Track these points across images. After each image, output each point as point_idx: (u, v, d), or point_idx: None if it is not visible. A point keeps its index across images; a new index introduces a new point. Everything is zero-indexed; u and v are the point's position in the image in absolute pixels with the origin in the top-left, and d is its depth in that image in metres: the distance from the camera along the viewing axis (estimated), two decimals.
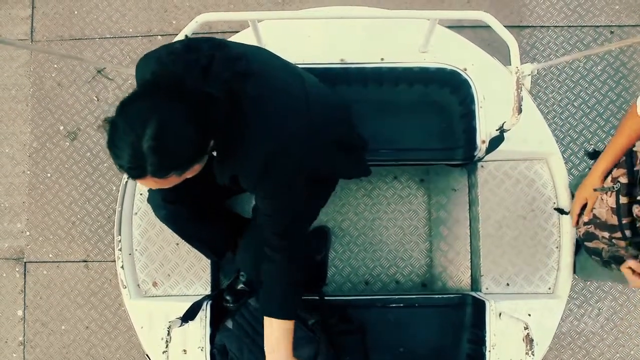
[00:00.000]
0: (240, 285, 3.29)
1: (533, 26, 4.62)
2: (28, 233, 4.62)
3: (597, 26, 4.60)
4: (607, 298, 4.40)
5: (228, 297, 3.23)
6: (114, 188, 4.59)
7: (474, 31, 4.31)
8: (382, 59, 3.38)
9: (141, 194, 3.42)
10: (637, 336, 4.39)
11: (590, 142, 4.48)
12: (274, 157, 2.27)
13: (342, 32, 3.24)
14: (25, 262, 4.60)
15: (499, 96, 3.28)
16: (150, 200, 2.99)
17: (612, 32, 4.60)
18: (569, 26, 4.61)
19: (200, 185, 2.72)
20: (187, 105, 1.93)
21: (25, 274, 4.59)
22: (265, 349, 2.60)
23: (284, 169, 2.33)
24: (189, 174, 2.10)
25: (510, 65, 2.75)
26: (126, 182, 3.39)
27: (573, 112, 4.52)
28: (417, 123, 3.44)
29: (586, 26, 4.61)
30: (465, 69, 3.36)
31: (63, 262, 4.59)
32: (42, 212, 4.63)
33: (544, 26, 4.62)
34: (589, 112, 4.52)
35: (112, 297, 4.54)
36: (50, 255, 4.60)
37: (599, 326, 4.38)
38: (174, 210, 2.89)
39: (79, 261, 4.58)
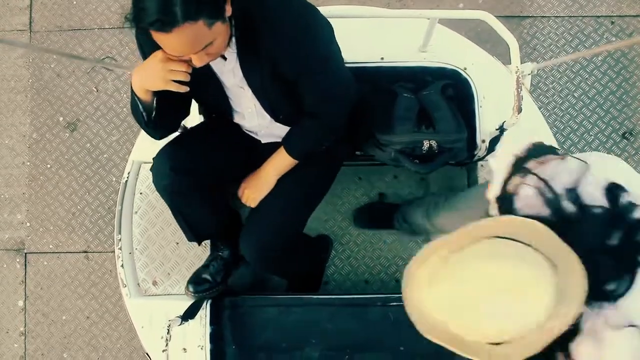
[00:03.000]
0: (206, 275, 3.26)
1: (534, 16, 4.60)
2: (28, 224, 4.63)
3: (598, 16, 4.58)
4: None
5: (190, 286, 3.18)
6: (114, 179, 4.60)
7: (477, 22, 4.29)
8: (382, 58, 3.38)
9: (141, 193, 3.44)
10: None
11: (590, 133, 4.48)
12: (305, 29, 2.43)
13: (341, 31, 3.23)
14: (25, 253, 4.62)
15: (499, 95, 3.28)
16: (155, 167, 2.90)
17: (612, 23, 4.58)
18: (570, 16, 4.60)
19: (213, 156, 2.91)
20: None
21: (25, 265, 4.61)
22: (261, 169, 2.91)
23: (318, 36, 2.49)
24: (217, 42, 2.23)
25: (510, 64, 2.74)
26: (126, 181, 3.39)
27: (573, 102, 4.52)
28: None
29: (587, 16, 4.60)
30: (465, 69, 3.36)
31: (63, 253, 4.61)
32: (42, 203, 4.64)
33: (545, 16, 4.61)
34: (589, 103, 4.52)
35: (112, 287, 4.55)
36: (51, 246, 4.61)
37: None
38: (178, 181, 2.84)
39: (80, 252, 4.60)
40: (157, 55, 2.32)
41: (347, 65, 3.25)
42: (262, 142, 3.06)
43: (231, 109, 2.85)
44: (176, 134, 2.95)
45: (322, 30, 2.50)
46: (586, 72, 4.53)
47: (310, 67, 2.50)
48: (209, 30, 2.12)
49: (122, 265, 3.36)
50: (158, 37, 2.10)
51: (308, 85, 2.57)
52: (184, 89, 2.40)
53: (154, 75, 2.34)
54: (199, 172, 2.89)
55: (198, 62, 2.26)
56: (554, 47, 4.58)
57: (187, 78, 2.36)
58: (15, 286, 4.62)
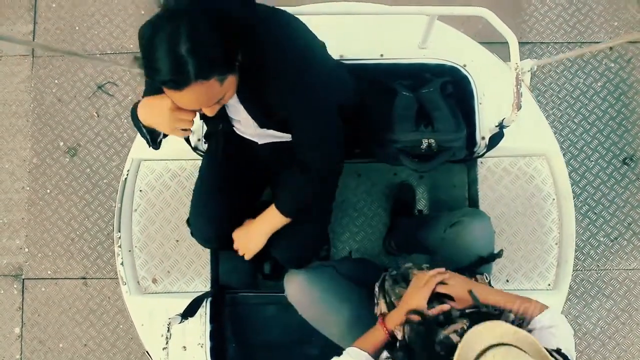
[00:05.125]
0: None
1: (533, 42, 4.64)
2: (27, 249, 4.60)
3: (597, 43, 4.61)
4: (608, 302, 4.38)
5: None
6: (113, 205, 4.58)
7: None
8: (381, 55, 3.40)
9: (140, 191, 3.43)
10: (639, 341, 4.35)
11: (591, 159, 4.48)
12: (300, 76, 2.41)
13: (341, 28, 3.26)
14: (23, 279, 4.57)
15: (499, 92, 3.29)
16: (196, 228, 3.03)
17: (611, 49, 4.62)
18: (569, 42, 4.64)
19: (238, 198, 3.07)
20: (208, 17, 2.03)
21: (23, 291, 4.56)
22: (252, 223, 2.89)
23: (312, 85, 2.47)
24: (227, 94, 2.25)
25: (510, 61, 2.75)
26: (126, 178, 3.39)
27: (573, 128, 4.53)
28: None
29: (585, 42, 4.64)
30: (465, 65, 3.38)
31: (61, 279, 4.56)
32: (41, 229, 4.61)
33: (544, 42, 4.65)
34: (589, 129, 4.52)
35: (110, 314, 4.50)
36: (49, 272, 4.57)
37: (600, 331, 4.35)
38: (220, 237, 3.00)
39: (78, 278, 4.55)
40: (167, 103, 2.33)
41: (346, 62, 3.30)
42: (259, 143, 3.07)
43: (228, 117, 2.89)
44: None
45: (318, 77, 2.52)
46: (586, 98, 4.55)
47: (303, 116, 2.54)
48: (221, 86, 2.15)
49: (121, 263, 3.35)
50: (170, 93, 2.14)
51: (299, 130, 2.61)
52: (189, 133, 2.50)
53: (162, 122, 2.37)
54: (234, 219, 3.00)
55: (210, 113, 2.31)
56: (554, 72, 4.60)
57: (192, 126, 2.42)
58: (12, 312, 4.56)
